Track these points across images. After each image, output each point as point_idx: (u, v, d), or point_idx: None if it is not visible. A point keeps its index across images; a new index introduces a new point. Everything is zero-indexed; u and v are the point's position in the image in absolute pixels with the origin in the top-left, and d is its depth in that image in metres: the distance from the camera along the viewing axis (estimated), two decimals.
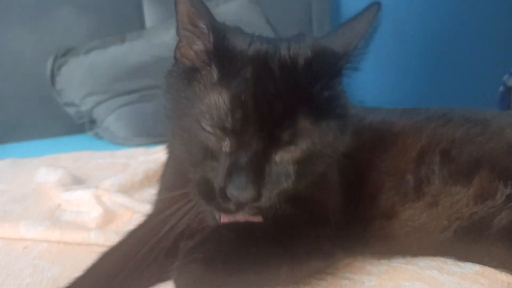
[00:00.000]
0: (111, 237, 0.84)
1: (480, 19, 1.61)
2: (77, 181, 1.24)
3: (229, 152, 0.57)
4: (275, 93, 0.56)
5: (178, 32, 0.65)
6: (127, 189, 1.14)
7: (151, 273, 0.67)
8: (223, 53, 0.59)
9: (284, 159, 0.58)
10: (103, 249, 0.72)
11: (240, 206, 0.57)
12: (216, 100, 0.56)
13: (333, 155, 0.64)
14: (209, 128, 0.57)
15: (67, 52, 2.04)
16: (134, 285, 0.66)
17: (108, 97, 1.98)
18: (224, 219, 0.62)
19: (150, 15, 2.28)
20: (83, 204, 1.05)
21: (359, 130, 0.78)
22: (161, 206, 0.76)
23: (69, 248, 0.86)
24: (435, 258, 0.70)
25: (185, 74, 0.63)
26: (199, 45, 0.63)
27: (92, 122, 2.04)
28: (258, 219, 0.62)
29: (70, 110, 2.08)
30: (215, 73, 0.59)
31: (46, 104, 2.10)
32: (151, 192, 0.84)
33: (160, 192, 0.79)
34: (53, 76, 2.04)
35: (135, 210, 1.01)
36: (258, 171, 0.55)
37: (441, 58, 1.79)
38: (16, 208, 1.08)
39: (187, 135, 0.60)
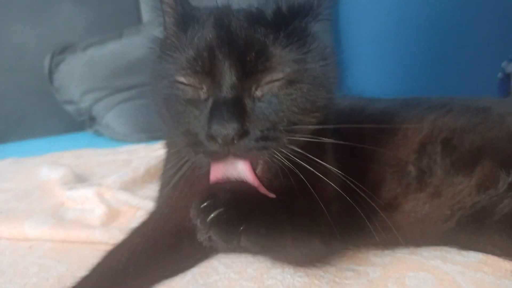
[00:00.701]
0: (115, 235, 0.84)
1: (479, 5, 1.60)
2: (80, 179, 1.25)
3: (207, 96, 0.57)
4: (240, 28, 0.58)
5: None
6: (129, 186, 1.14)
7: (157, 269, 0.67)
8: (189, 19, 0.62)
9: (265, 91, 0.58)
10: (107, 247, 0.72)
11: (226, 143, 0.54)
12: (186, 54, 0.58)
13: (320, 82, 0.61)
14: (183, 79, 0.59)
15: (64, 50, 2.04)
16: (140, 282, 0.67)
17: (107, 93, 1.98)
18: (214, 175, 0.58)
19: (146, 9, 2.28)
20: (87, 202, 1.06)
21: (360, 121, 0.78)
22: (163, 202, 0.76)
23: (74, 246, 0.86)
24: (438, 248, 0.70)
25: (162, 45, 0.66)
26: (170, 18, 0.65)
27: (92, 119, 2.04)
28: (252, 180, 0.58)
29: (70, 108, 2.07)
30: (183, 38, 0.61)
31: (46, 100, 2.11)
32: (154, 188, 0.84)
33: (161, 189, 0.80)
34: (51, 74, 2.03)
35: (138, 207, 1.01)
36: (237, 104, 0.55)
37: (439, 45, 1.78)
38: (19, 206, 1.08)
39: (169, 98, 0.61)
